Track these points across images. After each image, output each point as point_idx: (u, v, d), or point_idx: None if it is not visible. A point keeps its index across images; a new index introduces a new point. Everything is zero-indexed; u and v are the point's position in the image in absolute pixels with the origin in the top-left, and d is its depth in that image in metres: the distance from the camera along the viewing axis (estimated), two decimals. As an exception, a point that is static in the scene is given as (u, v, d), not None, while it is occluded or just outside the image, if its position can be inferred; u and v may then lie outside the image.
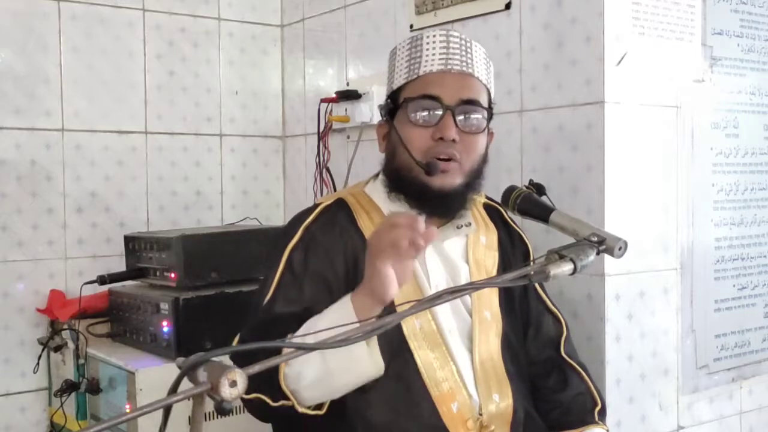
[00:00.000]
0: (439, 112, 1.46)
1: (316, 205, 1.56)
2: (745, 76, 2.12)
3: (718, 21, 2.04)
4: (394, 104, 1.52)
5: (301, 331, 1.33)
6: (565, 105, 1.91)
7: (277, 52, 2.92)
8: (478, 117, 1.49)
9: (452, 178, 1.47)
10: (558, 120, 1.93)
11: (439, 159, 1.45)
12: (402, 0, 2.36)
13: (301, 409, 1.33)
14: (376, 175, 1.62)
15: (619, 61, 1.83)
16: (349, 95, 2.47)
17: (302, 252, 1.48)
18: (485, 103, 1.51)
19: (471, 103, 1.48)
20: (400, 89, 1.51)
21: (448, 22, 2.19)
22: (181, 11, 2.71)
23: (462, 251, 1.57)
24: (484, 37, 2.09)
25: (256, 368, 0.89)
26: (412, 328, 1.46)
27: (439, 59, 1.48)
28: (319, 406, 1.36)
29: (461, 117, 1.47)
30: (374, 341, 1.30)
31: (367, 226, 1.52)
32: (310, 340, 1.28)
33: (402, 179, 1.50)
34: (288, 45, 2.90)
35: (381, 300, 1.27)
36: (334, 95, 2.52)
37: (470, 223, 1.56)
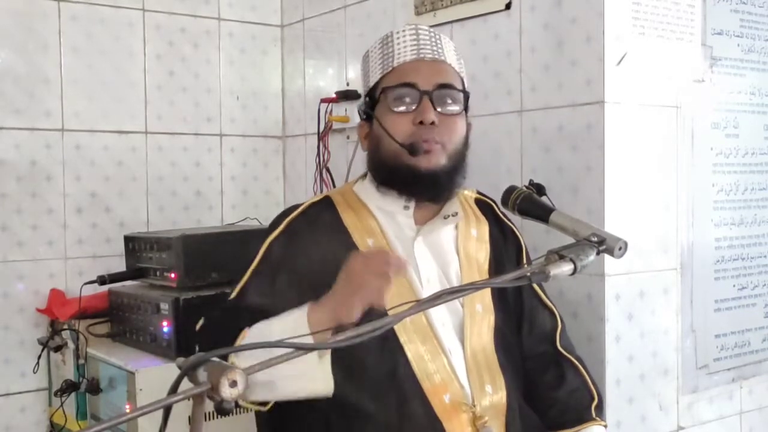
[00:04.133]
0: (417, 98, 1.49)
1: (298, 204, 1.59)
2: (745, 76, 2.12)
3: (718, 21, 2.04)
4: (371, 100, 1.55)
5: (253, 333, 1.36)
6: (565, 105, 1.91)
7: (277, 52, 2.92)
8: (455, 99, 1.53)
9: (437, 158, 1.49)
10: (558, 120, 1.93)
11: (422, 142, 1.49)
12: (401, 0, 2.36)
13: (242, 402, 1.35)
14: (364, 175, 1.64)
15: (619, 61, 1.83)
16: (349, 95, 2.47)
17: (282, 245, 1.51)
18: (459, 87, 1.55)
19: (446, 87, 1.52)
20: (376, 85, 1.55)
21: (447, 23, 2.19)
22: (181, 11, 2.71)
23: (452, 244, 1.58)
24: (484, 37, 2.09)
25: (256, 368, 0.89)
26: (402, 324, 1.45)
27: (411, 49, 1.54)
28: (263, 403, 1.38)
29: (439, 101, 1.50)
30: (327, 360, 1.30)
31: (353, 223, 1.54)
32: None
33: (389, 169, 1.52)
34: (288, 45, 2.90)
35: (339, 321, 1.27)
36: (334, 95, 2.52)
37: (456, 213, 1.57)
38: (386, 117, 1.51)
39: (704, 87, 2.02)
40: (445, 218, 1.56)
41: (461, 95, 1.54)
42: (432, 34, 1.57)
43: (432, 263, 1.54)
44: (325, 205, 1.58)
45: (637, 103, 1.88)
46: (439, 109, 1.50)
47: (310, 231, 1.52)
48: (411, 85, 1.50)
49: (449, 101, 1.52)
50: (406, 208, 1.55)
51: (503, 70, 2.04)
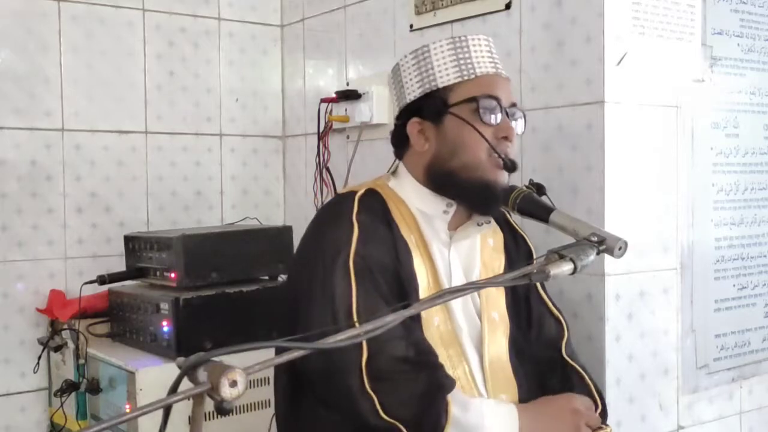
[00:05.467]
0: (500, 113, 1.51)
1: (346, 196, 1.54)
2: (745, 76, 2.12)
3: (718, 21, 2.04)
4: (443, 102, 1.52)
5: (461, 408, 1.40)
6: (565, 105, 1.91)
7: (277, 52, 2.92)
8: (523, 120, 1.57)
9: (507, 177, 1.53)
10: (558, 120, 1.93)
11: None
12: (401, 0, 2.36)
13: None
14: (393, 172, 1.63)
15: (619, 61, 1.83)
16: (349, 95, 2.46)
17: (365, 244, 1.46)
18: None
19: (516, 107, 1.56)
20: (448, 87, 1.52)
21: (447, 22, 2.19)
22: (181, 11, 2.71)
23: (478, 251, 1.59)
24: (484, 37, 2.09)
25: (257, 368, 0.89)
26: (430, 326, 1.47)
27: (489, 62, 1.54)
28: None
29: (512, 119, 1.53)
30: None
31: (397, 216, 1.53)
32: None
33: (461, 177, 1.50)
34: (288, 45, 2.90)
35: None
36: (334, 95, 2.52)
37: (490, 220, 1.58)
38: (477, 125, 1.49)
39: (704, 87, 2.02)
40: (478, 225, 1.56)
41: (523, 115, 1.57)
42: (495, 49, 1.59)
43: (460, 268, 1.56)
44: (374, 196, 1.55)
45: (637, 102, 1.87)
46: (513, 127, 1.53)
47: (377, 222, 1.50)
48: (497, 99, 1.50)
49: (520, 121, 1.56)
50: (445, 213, 1.55)
51: (503, 69, 2.04)
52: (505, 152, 1.50)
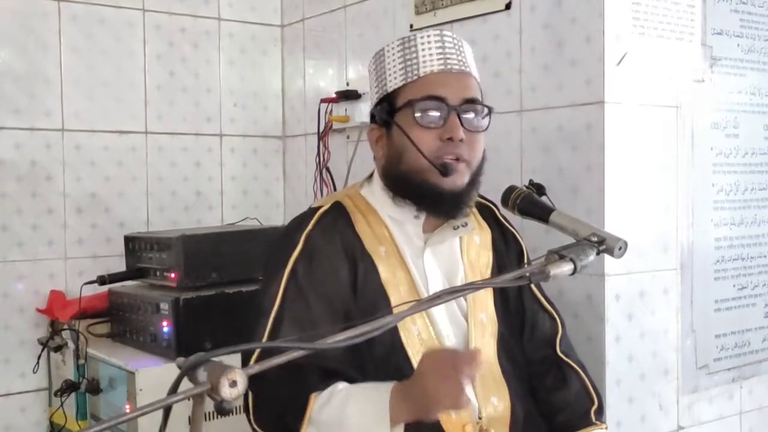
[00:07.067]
0: (445, 113, 1.44)
1: (312, 211, 1.53)
2: (745, 76, 2.12)
3: (718, 21, 2.04)
4: (391, 107, 1.49)
5: (322, 404, 1.34)
6: (565, 105, 1.91)
7: (277, 52, 2.92)
8: (481, 115, 1.49)
9: (462, 178, 1.46)
10: (558, 120, 1.93)
11: (450, 160, 1.45)
12: (402, 0, 2.36)
13: None
14: (369, 177, 1.60)
15: (619, 61, 1.83)
16: (349, 95, 2.47)
17: (306, 263, 1.45)
18: (483, 101, 1.51)
19: (473, 102, 1.48)
20: (396, 91, 1.49)
21: (447, 22, 2.19)
22: (181, 11, 2.71)
23: (458, 252, 1.56)
24: (484, 37, 2.09)
25: (256, 368, 0.90)
26: (409, 334, 1.45)
27: (438, 59, 1.47)
28: None
29: (466, 116, 1.46)
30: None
31: (364, 230, 1.50)
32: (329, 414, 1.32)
33: (409, 182, 1.47)
34: (288, 45, 2.90)
35: (424, 414, 1.27)
36: (334, 95, 2.52)
37: (467, 224, 1.54)
38: (412, 129, 1.44)
39: (704, 87, 2.02)
40: (454, 228, 1.52)
41: (486, 110, 1.50)
42: (455, 42, 1.51)
43: (438, 273, 1.52)
44: (337, 211, 1.52)
45: (637, 103, 1.88)
46: (466, 125, 1.45)
47: (329, 243, 1.47)
48: (439, 99, 1.44)
49: (476, 117, 1.48)
50: (416, 217, 1.51)
51: (503, 70, 2.04)
52: (455, 154, 1.44)
